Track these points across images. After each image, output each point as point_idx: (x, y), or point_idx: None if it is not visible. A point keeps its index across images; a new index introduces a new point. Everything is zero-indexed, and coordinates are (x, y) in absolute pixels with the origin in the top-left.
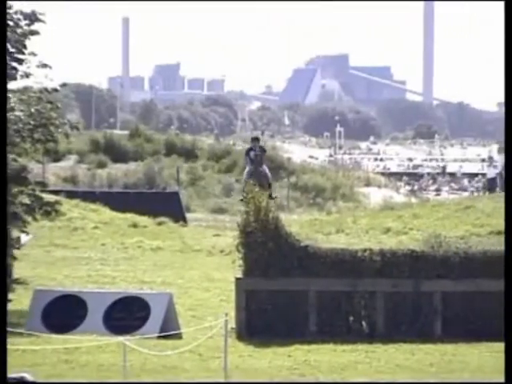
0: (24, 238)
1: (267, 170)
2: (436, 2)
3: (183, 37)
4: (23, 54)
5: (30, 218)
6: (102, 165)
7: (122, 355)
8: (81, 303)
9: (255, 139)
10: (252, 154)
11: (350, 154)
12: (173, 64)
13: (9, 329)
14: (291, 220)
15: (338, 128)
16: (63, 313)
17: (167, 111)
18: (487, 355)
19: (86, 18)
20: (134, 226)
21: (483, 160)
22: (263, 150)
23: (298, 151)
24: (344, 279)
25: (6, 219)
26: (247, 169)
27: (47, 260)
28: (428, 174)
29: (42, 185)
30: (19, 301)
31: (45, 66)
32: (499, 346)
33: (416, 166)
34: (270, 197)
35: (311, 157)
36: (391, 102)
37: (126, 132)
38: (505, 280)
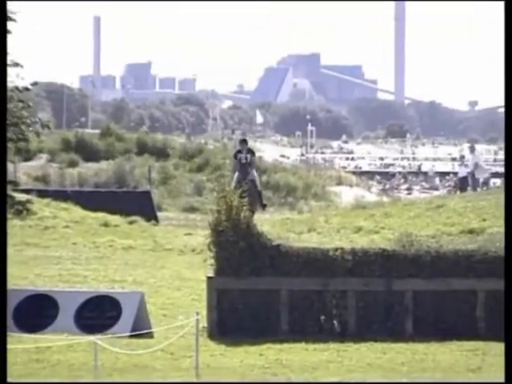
0: None
1: (256, 175)
2: (407, 2)
3: (154, 36)
4: None
5: None
6: (73, 164)
7: (94, 354)
8: (52, 302)
9: (243, 141)
10: (240, 157)
11: (322, 153)
12: (144, 63)
13: None
14: (263, 219)
15: (310, 127)
16: (34, 312)
17: (138, 110)
18: (458, 354)
19: (58, 17)
20: (106, 225)
21: (454, 159)
22: (252, 152)
23: (269, 150)
24: (315, 278)
25: (6, 219)
26: (236, 175)
27: (18, 259)
28: (399, 172)
29: (14, 184)
30: None
31: (16, 64)
32: (470, 345)
33: (387, 165)
34: (261, 205)
35: (283, 156)
36: (363, 101)
37: (98, 131)
38: (505, 280)
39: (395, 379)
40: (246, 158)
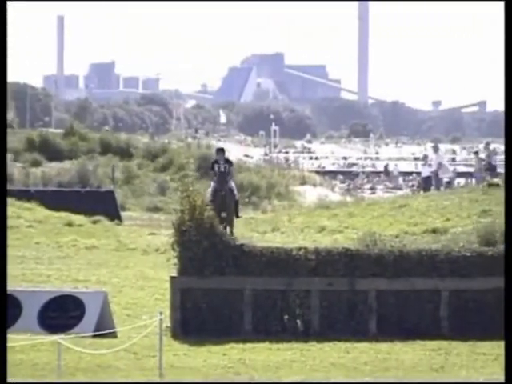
0: None
1: (234, 187)
2: (370, 2)
3: (118, 35)
4: None
5: None
6: (36, 163)
7: (57, 354)
8: (15, 302)
9: (220, 150)
10: (218, 167)
11: (286, 152)
12: (108, 62)
13: None
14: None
15: (273, 127)
16: None
17: (102, 110)
18: (421, 353)
19: (21, 17)
20: (69, 224)
21: (418, 159)
22: (230, 162)
23: (233, 150)
24: (279, 278)
25: (6, 219)
26: (212, 185)
27: None
28: (363, 172)
29: None
30: None
31: None
32: (433, 344)
33: (351, 165)
34: (237, 215)
35: (246, 155)
36: (326, 100)
37: (61, 131)
38: (505, 280)
39: (358, 378)
40: (224, 168)
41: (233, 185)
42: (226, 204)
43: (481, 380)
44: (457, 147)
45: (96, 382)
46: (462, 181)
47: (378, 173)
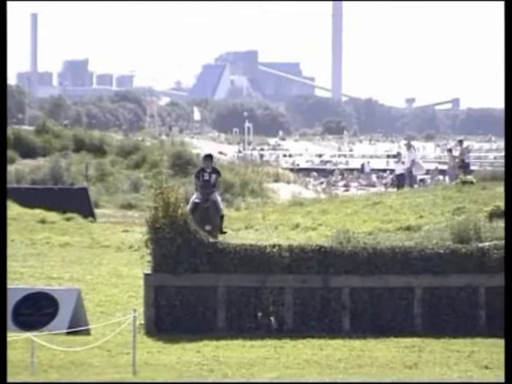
0: None
1: (219, 200)
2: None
3: (92, 32)
4: None
5: None
6: (10, 160)
7: (30, 351)
8: None
9: (208, 157)
10: (204, 176)
11: (261, 149)
12: (81, 60)
13: None
14: None
15: (247, 124)
16: None
17: (76, 107)
18: (395, 350)
19: None
20: (43, 221)
21: (391, 156)
22: (217, 172)
23: (206, 147)
24: (253, 275)
25: (6, 219)
26: (194, 196)
27: None
28: (337, 169)
29: None
30: None
31: None
32: (407, 342)
33: (325, 162)
34: (221, 231)
35: (220, 153)
36: (300, 98)
37: (35, 128)
38: (505, 279)
39: (332, 375)
40: (210, 178)
41: (218, 198)
42: (210, 218)
43: (454, 377)
44: (430, 144)
45: (73, 382)
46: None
47: (352, 170)
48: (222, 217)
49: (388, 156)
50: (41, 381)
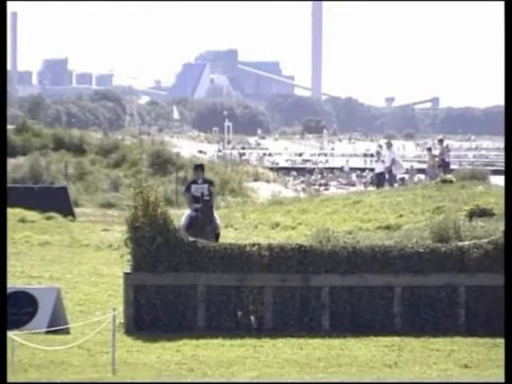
0: None
1: (217, 217)
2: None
3: (71, 31)
4: None
5: None
6: None
7: (10, 350)
8: None
9: (199, 167)
10: (196, 189)
11: (243, 148)
12: (61, 59)
13: None
14: (180, 215)
15: (227, 123)
16: None
17: (55, 106)
18: (375, 349)
19: None
20: (22, 220)
21: (371, 155)
22: (210, 183)
23: (186, 146)
24: (233, 274)
25: (6, 220)
26: (187, 215)
27: None
28: (316, 168)
29: None
30: None
31: None
32: (386, 340)
33: (304, 161)
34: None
35: (200, 152)
36: (280, 97)
37: (15, 127)
38: (505, 278)
39: (311, 374)
40: (203, 190)
41: (215, 214)
42: (205, 236)
43: (434, 376)
44: (410, 143)
45: (53, 382)
46: (422, 176)
47: (331, 169)
48: (217, 235)
49: (365, 155)
50: (21, 380)
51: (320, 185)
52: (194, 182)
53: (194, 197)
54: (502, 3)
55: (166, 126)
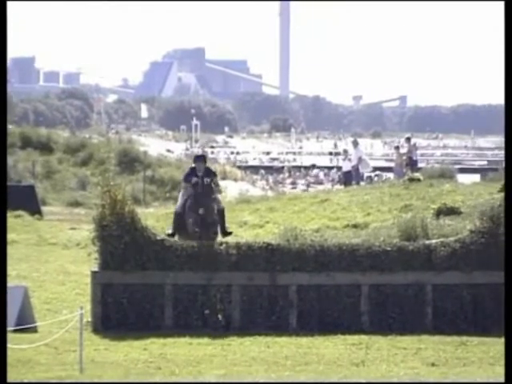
0: None
1: (222, 205)
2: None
3: (38, 29)
4: None
5: None
6: None
7: None
8: None
9: (200, 158)
10: (196, 181)
11: (212, 147)
12: (28, 57)
13: None
14: (147, 213)
15: (194, 121)
16: None
17: (23, 104)
18: (342, 348)
19: None
20: None
21: (334, 153)
22: (213, 173)
23: (154, 144)
24: (200, 273)
25: (6, 220)
26: (189, 213)
27: None
28: (284, 167)
29: None
30: None
31: None
32: (354, 339)
33: (272, 160)
34: (225, 232)
35: (168, 150)
36: (247, 95)
37: None
38: (505, 278)
39: (279, 373)
40: (204, 182)
41: (221, 205)
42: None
43: (401, 374)
44: (378, 142)
45: (20, 382)
46: (388, 175)
47: (299, 168)
48: (215, 232)
49: (331, 153)
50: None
51: (288, 183)
52: (194, 173)
53: (194, 189)
54: (467, 3)
55: (133, 125)
